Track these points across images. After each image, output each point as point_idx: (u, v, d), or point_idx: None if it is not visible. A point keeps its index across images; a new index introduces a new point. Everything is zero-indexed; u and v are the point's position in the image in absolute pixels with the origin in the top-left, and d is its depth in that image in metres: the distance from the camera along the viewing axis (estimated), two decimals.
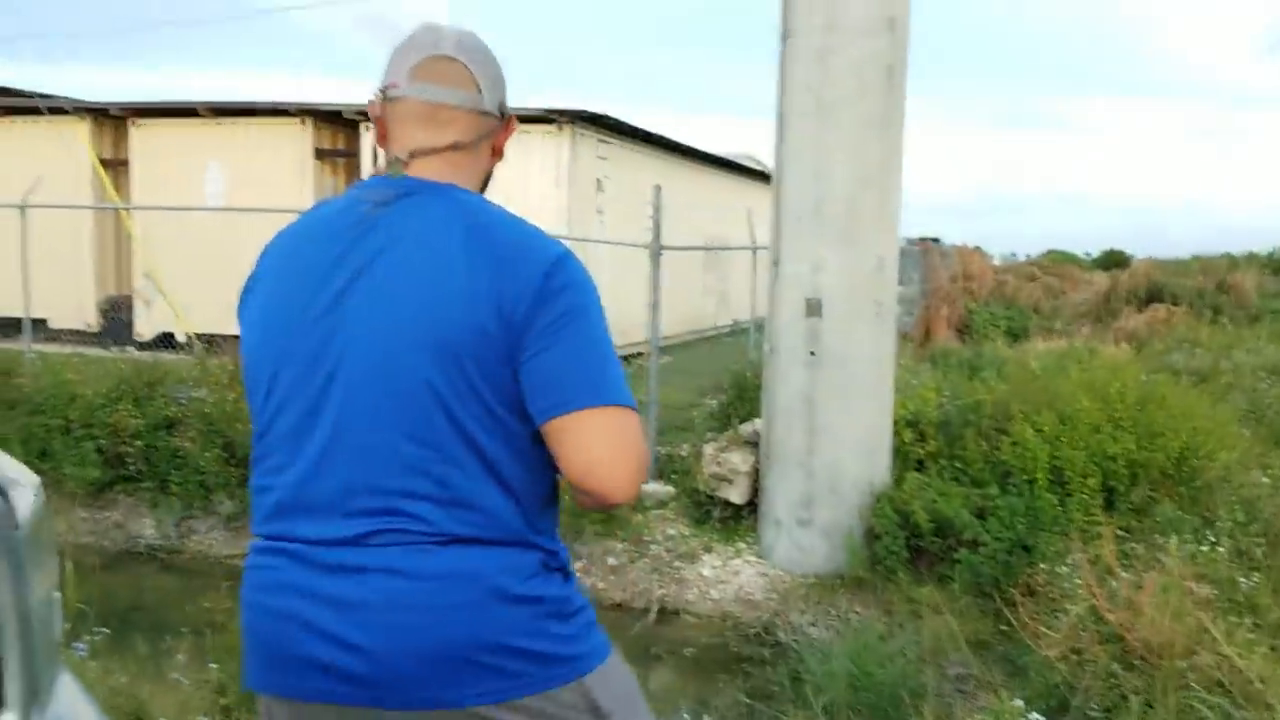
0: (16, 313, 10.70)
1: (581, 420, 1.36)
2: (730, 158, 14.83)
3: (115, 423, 7.85)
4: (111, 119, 12.12)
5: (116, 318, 11.82)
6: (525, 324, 1.36)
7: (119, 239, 12.17)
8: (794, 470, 6.38)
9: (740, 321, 14.90)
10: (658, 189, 7.24)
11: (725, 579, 6.64)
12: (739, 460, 6.87)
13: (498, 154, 1.59)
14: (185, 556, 7.57)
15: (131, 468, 7.82)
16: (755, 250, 11.43)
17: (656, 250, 7.28)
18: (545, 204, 10.01)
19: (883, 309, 6.28)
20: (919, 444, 6.56)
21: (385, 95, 1.49)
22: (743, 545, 6.84)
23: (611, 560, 6.92)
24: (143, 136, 11.84)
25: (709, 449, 7.06)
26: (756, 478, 6.80)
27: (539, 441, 1.42)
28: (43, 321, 11.87)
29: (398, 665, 1.34)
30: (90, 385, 8.07)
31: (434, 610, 1.35)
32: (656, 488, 7.35)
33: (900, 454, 6.52)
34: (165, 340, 11.63)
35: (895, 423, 6.51)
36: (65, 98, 11.69)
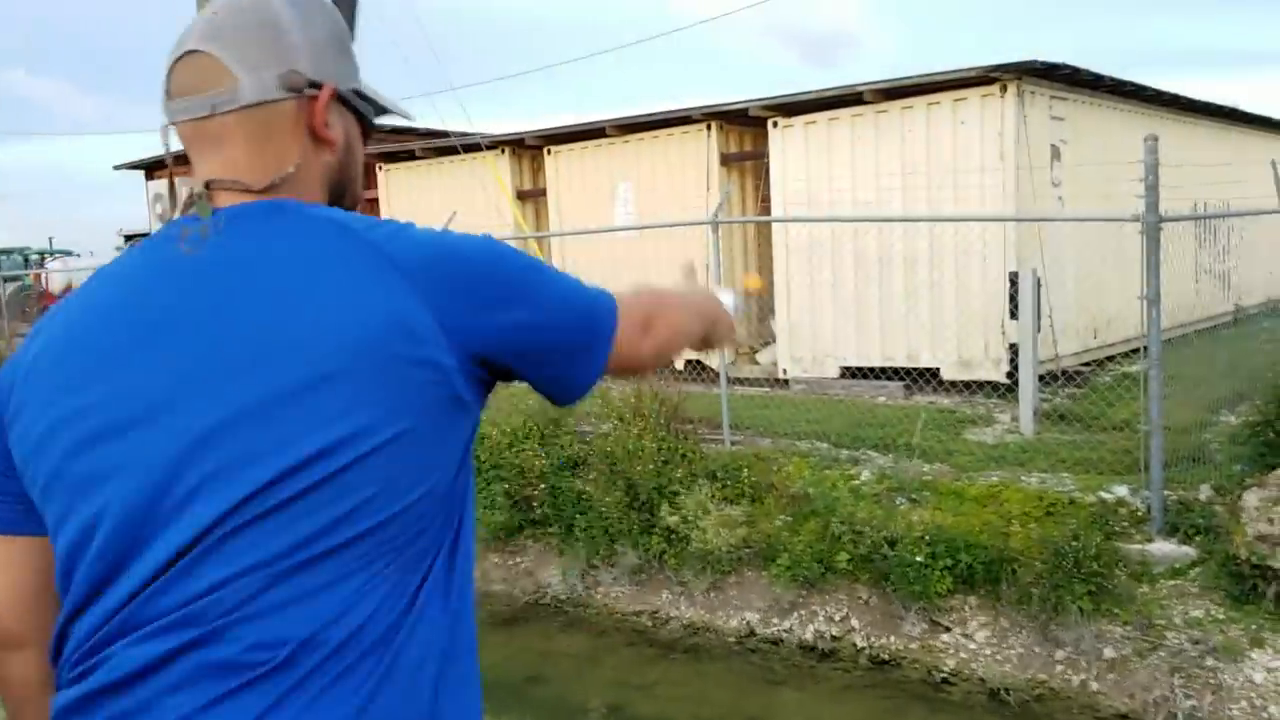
0: None
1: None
2: (1233, 106, 11.78)
3: (521, 463, 7.40)
4: (528, 149, 12.21)
5: None
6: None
7: None
8: None
9: (1245, 308, 11.91)
10: (1152, 141, 5.23)
11: None
12: None
13: (323, 140, 1.11)
14: (591, 611, 6.86)
15: (538, 511, 7.31)
16: None
17: (1153, 224, 5.27)
18: (987, 180, 8.17)
19: None
20: None
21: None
22: None
23: (1109, 652, 5.09)
24: (556, 164, 11.76)
25: (1252, 497, 4.99)
26: None
27: None
28: None
29: None
30: (497, 424, 7.70)
31: None
32: (1167, 548, 5.39)
33: None
34: None
35: None
36: (480, 134, 11.91)
